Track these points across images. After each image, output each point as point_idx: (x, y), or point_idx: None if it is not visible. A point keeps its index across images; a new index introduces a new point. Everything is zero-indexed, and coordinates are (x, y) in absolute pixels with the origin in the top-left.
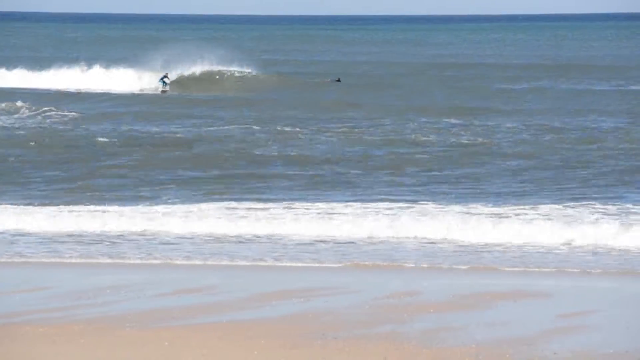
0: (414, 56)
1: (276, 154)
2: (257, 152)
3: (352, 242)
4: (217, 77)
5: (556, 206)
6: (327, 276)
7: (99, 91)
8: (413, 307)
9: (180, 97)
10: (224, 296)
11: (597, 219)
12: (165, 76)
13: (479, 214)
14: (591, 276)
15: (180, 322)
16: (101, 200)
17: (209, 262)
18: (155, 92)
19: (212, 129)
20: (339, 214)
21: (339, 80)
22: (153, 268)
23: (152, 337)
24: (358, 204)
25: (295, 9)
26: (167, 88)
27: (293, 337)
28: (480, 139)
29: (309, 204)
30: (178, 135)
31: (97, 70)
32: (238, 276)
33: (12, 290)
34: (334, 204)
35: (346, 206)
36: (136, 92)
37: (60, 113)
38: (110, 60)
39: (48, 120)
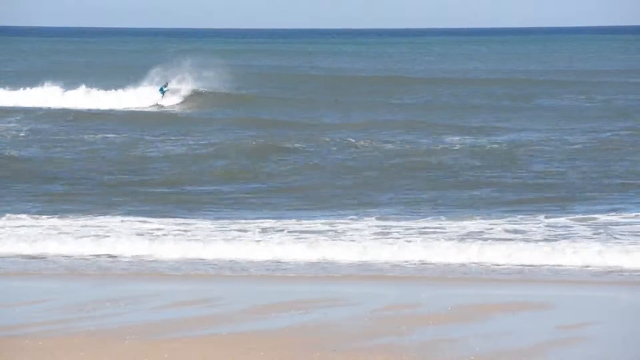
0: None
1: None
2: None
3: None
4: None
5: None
6: (326, 288)
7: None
8: (412, 318)
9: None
10: (223, 308)
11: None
12: (165, 85)
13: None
14: (589, 287)
15: (179, 334)
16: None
17: (207, 274)
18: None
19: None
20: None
21: (337, 101)
22: (152, 280)
23: (152, 349)
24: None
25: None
26: (166, 96)
27: (292, 349)
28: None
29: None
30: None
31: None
32: (237, 288)
33: (11, 303)
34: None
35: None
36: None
37: None
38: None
39: None
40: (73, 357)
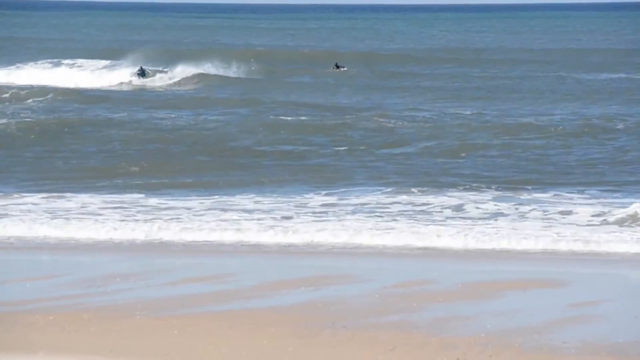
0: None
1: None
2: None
3: None
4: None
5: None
6: (336, 264)
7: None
8: (422, 296)
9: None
10: (234, 284)
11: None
12: (141, 69)
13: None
14: (601, 264)
15: (190, 311)
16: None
17: (218, 250)
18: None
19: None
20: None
21: (338, 67)
22: (163, 256)
23: (162, 325)
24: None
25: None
26: (139, 79)
27: (302, 326)
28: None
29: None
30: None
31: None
32: (248, 264)
33: (22, 278)
34: None
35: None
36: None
37: None
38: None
39: None
40: (83, 333)
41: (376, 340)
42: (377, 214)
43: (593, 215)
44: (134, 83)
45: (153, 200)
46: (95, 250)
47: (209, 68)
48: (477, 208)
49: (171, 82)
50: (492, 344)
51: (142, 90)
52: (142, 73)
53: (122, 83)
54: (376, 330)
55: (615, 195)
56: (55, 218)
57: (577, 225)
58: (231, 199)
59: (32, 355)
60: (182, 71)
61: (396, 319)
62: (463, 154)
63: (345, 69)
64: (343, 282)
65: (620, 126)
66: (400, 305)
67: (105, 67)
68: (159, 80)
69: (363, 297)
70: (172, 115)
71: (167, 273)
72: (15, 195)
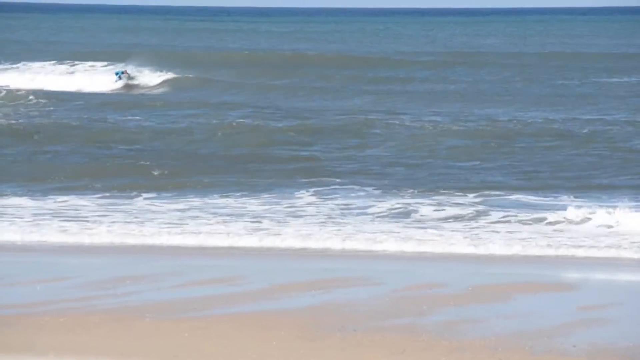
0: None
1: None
2: None
3: None
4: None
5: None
6: (346, 268)
7: None
8: (432, 299)
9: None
10: (243, 287)
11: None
12: (124, 72)
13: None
14: (611, 268)
15: (199, 313)
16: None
17: (228, 253)
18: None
19: None
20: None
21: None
22: (172, 259)
23: (171, 328)
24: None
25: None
26: (121, 81)
27: (312, 329)
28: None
29: None
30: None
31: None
32: (257, 267)
33: (32, 280)
34: None
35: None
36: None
37: None
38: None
39: None
40: (93, 335)
41: (385, 344)
42: (373, 216)
43: (594, 219)
44: (115, 87)
45: (148, 202)
46: (104, 252)
47: (209, 71)
48: (478, 211)
49: (167, 84)
50: (502, 347)
51: (140, 94)
52: (120, 74)
53: (118, 86)
54: (386, 333)
55: (615, 199)
56: (52, 220)
57: (580, 228)
58: (224, 201)
59: (42, 357)
60: (181, 74)
61: (406, 322)
62: (462, 157)
63: (347, 72)
64: (353, 285)
65: (629, 129)
66: (410, 309)
67: (102, 68)
68: (154, 81)
69: (373, 300)
70: (169, 118)
71: (176, 275)
72: (11, 197)
